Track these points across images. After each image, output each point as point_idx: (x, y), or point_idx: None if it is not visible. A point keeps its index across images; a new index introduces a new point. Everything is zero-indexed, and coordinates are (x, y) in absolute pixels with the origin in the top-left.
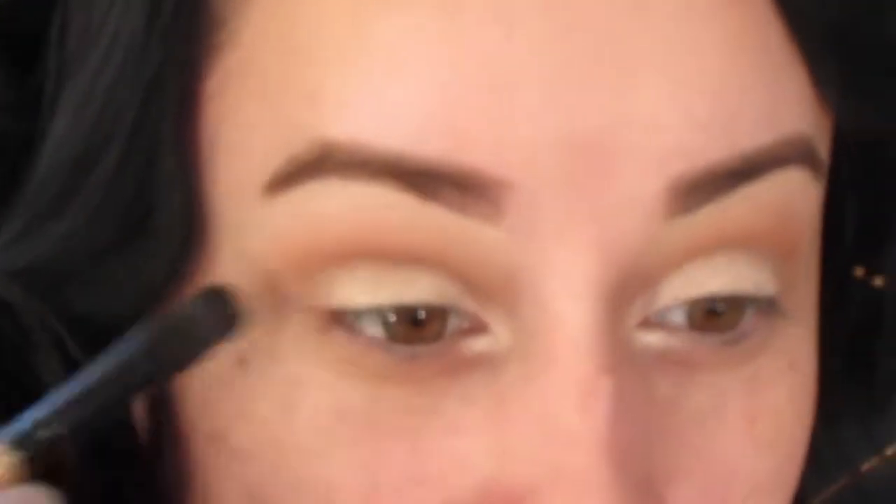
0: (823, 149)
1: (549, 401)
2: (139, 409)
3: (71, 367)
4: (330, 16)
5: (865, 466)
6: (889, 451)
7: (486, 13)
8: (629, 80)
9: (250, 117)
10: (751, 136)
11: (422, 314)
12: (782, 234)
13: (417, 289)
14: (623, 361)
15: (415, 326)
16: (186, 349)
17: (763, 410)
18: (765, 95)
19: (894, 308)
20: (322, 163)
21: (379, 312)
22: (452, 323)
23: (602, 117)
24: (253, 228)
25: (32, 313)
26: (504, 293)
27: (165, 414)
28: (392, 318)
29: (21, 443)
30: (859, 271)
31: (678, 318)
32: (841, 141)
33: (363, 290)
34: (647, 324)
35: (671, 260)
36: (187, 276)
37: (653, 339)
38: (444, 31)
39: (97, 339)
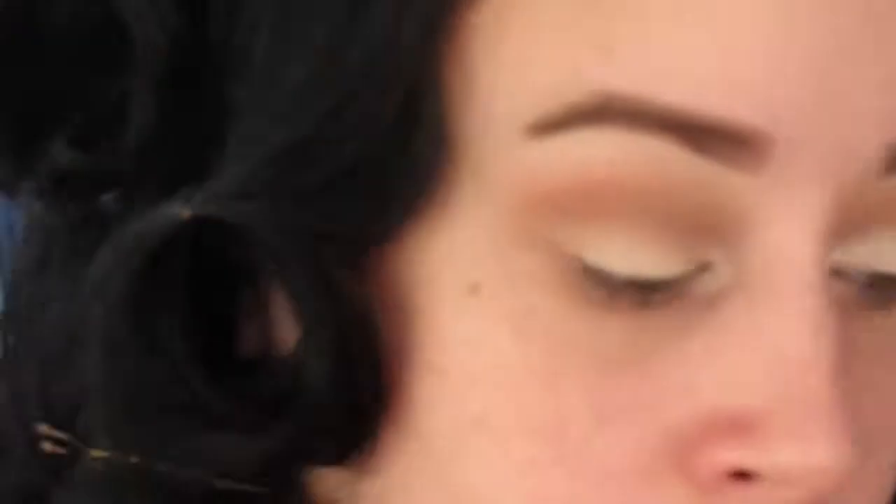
0: None
1: (778, 332)
2: None
3: (321, 284)
4: None
5: None
6: None
7: None
8: (865, 59)
9: (515, 56)
10: None
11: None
12: None
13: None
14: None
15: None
16: None
17: None
18: None
19: None
20: (602, 112)
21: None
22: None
23: (849, 81)
24: (506, 165)
25: (278, 234)
26: (733, 233)
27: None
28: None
29: None
30: None
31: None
32: None
33: (618, 255)
34: (836, 273)
35: (874, 216)
36: (425, 207)
37: (837, 286)
38: None
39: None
